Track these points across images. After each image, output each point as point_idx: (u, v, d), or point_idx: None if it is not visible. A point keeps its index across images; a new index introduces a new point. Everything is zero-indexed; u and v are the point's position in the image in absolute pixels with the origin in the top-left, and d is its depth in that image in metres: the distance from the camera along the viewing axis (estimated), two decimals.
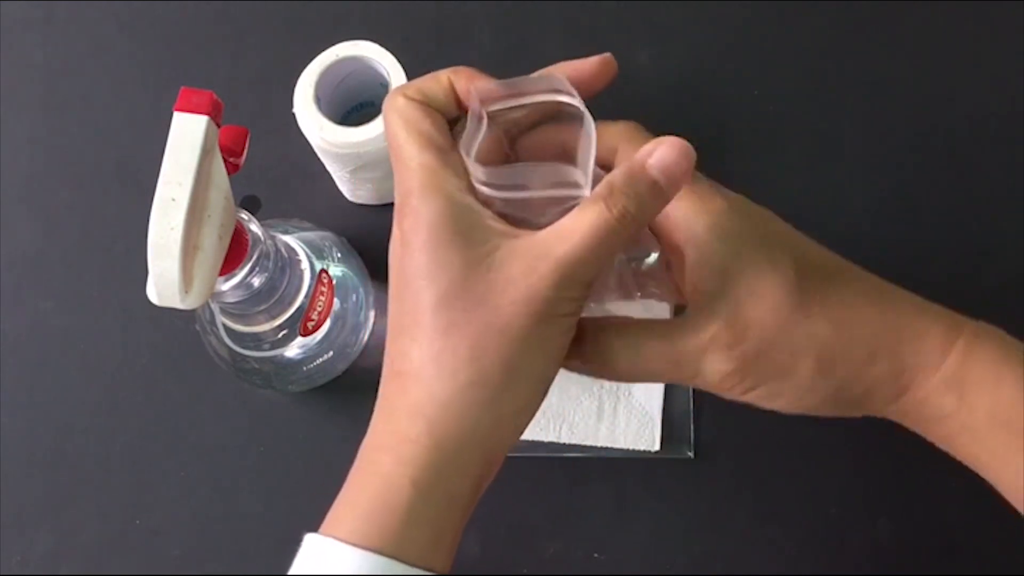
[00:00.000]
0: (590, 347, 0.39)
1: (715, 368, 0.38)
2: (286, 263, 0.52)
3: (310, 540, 0.36)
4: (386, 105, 0.38)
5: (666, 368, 0.38)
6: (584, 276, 0.36)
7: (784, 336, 0.37)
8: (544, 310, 0.35)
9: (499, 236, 0.36)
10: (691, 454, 0.59)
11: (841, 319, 0.38)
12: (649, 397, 0.59)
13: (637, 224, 0.35)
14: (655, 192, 0.35)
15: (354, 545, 0.35)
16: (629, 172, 0.35)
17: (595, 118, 0.38)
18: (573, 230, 0.35)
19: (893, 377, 0.38)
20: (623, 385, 0.60)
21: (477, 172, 0.36)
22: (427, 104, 0.38)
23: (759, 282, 0.37)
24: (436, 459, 0.36)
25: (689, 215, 0.38)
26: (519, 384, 0.36)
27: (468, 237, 0.36)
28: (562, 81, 0.37)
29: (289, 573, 0.37)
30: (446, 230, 0.36)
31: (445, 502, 0.37)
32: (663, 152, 0.35)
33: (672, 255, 0.40)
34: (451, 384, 0.36)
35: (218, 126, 0.43)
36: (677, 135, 0.64)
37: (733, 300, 0.37)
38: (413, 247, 0.36)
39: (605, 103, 0.64)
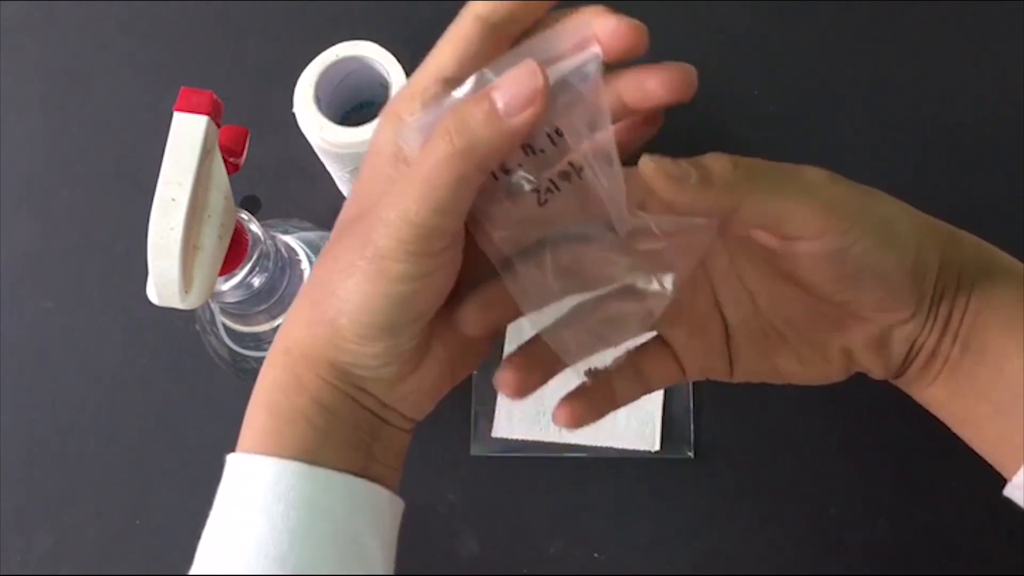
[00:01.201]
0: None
1: (817, 176, 0.35)
2: (286, 263, 0.52)
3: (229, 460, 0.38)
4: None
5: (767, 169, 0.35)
6: (418, 219, 0.33)
7: (868, 191, 0.38)
8: (372, 247, 0.34)
9: (405, 167, 0.35)
10: (691, 454, 0.59)
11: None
12: (649, 396, 0.59)
13: (476, 156, 0.32)
14: (493, 122, 0.32)
15: (246, 452, 0.37)
16: (471, 96, 0.33)
17: None
18: (415, 163, 0.33)
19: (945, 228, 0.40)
20: None
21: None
22: (494, 24, 0.36)
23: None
24: (287, 362, 0.37)
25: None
26: (343, 315, 0.35)
27: (383, 166, 0.36)
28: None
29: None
30: (380, 153, 0.36)
31: (313, 407, 0.36)
32: (506, 76, 0.32)
33: None
34: (301, 296, 0.38)
35: (218, 126, 0.43)
36: (677, 134, 0.64)
37: None
38: (365, 162, 0.37)
39: None
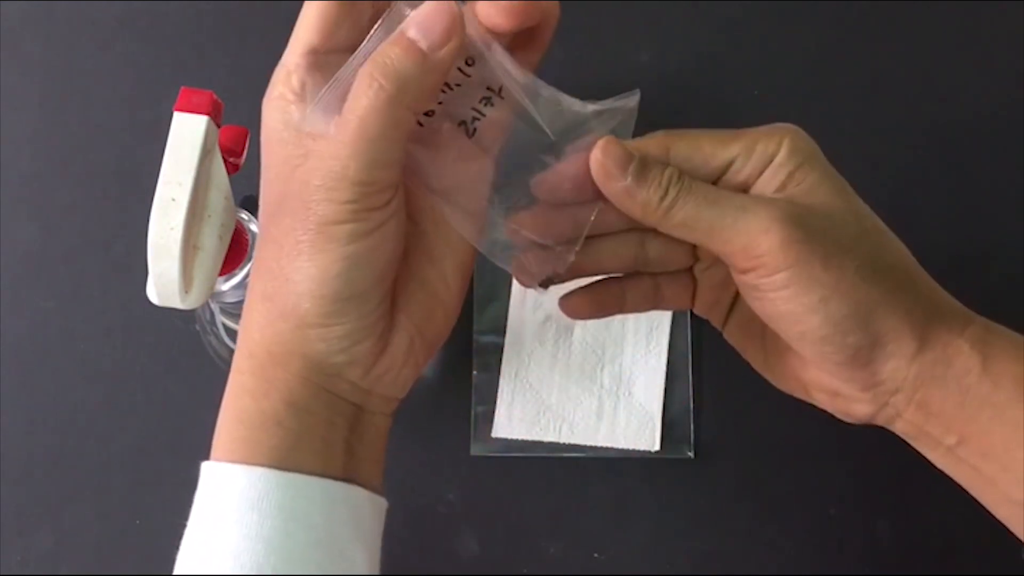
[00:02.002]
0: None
1: (759, 215, 0.34)
2: None
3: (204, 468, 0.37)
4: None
5: (707, 207, 0.35)
6: (357, 176, 0.33)
7: (834, 227, 0.36)
8: (314, 217, 0.33)
9: (310, 141, 0.34)
10: (691, 454, 0.59)
11: (889, 246, 0.38)
12: (649, 397, 0.60)
13: (417, 94, 0.33)
14: (417, 58, 0.32)
15: (219, 461, 0.36)
16: (388, 40, 0.33)
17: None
18: (342, 121, 0.33)
19: (923, 317, 0.36)
20: (623, 385, 0.60)
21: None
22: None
23: (819, 187, 0.36)
24: (254, 366, 0.36)
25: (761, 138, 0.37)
26: (303, 298, 0.34)
27: (290, 149, 0.35)
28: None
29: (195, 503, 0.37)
30: (276, 140, 0.35)
31: (284, 408, 0.35)
32: (419, 12, 0.33)
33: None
34: (251, 297, 0.36)
35: (218, 126, 0.43)
36: None
37: (792, 191, 0.36)
38: (264, 153, 0.36)
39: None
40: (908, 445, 0.58)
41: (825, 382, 0.38)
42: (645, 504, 0.59)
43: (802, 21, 0.68)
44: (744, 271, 0.36)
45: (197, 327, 0.58)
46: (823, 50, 0.67)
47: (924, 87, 0.66)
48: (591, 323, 0.60)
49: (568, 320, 0.61)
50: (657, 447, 0.59)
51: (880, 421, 0.39)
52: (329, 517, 0.35)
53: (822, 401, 0.39)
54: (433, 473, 0.59)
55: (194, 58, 0.68)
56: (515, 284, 0.62)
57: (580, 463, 0.59)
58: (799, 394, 0.40)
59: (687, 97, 0.66)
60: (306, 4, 0.37)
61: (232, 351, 0.55)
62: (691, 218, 0.35)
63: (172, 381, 0.62)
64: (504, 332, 0.61)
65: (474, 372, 0.60)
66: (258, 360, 0.36)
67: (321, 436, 0.36)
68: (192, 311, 0.54)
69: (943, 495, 0.58)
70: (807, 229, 0.35)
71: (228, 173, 0.45)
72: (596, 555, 0.58)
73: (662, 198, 0.35)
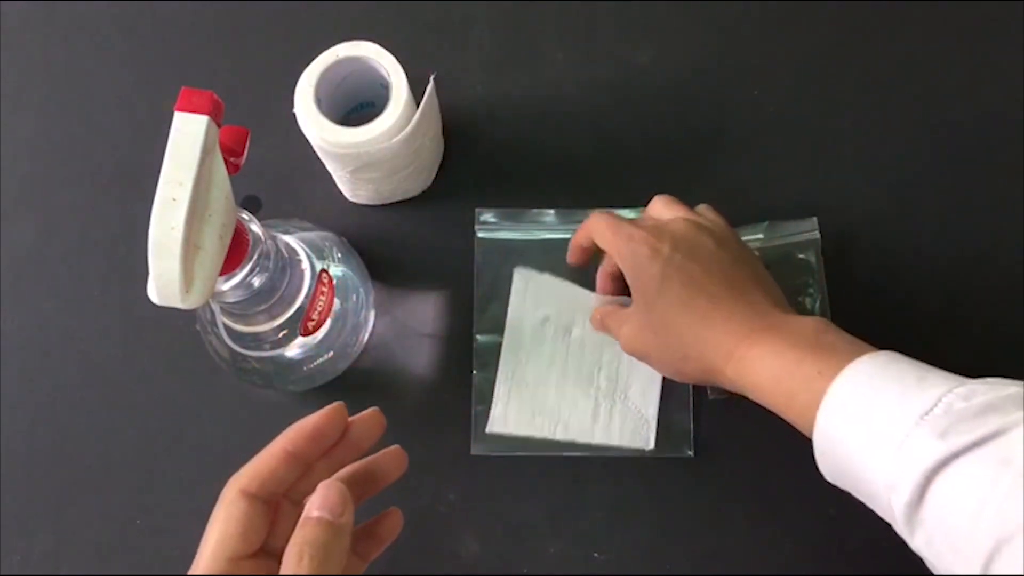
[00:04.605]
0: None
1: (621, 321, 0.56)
2: (286, 263, 0.52)
3: None
4: (225, 494, 0.43)
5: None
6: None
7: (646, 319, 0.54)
8: None
9: None
10: (691, 454, 0.59)
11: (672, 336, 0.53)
12: (645, 400, 0.60)
13: (336, 555, 0.41)
14: (328, 527, 0.41)
15: None
16: (299, 525, 0.42)
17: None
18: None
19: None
20: (619, 387, 0.60)
21: None
22: (263, 499, 0.43)
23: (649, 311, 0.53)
24: None
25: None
26: None
27: None
28: None
29: None
30: None
31: None
32: (316, 496, 0.42)
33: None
34: None
35: (218, 126, 0.43)
36: (677, 135, 0.64)
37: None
38: None
39: (605, 103, 0.64)
40: None
41: None
42: (645, 504, 0.59)
43: (802, 21, 0.68)
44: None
45: (197, 327, 0.58)
46: (823, 50, 0.67)
47: (924, 87, 0.66)
48: (589, 324, 0.60)
49: (567, 321, 0.61)
50: (651, 446, 0.59)
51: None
52: None
53: None
54: (433, 473, 0.59)
55: (194, 58, 0.68)
56: (514, 284, 0.62)
57: (580, 463, 0.59)
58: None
59: (687, 97, 0.66)
60: (225, 514, 0.42)
61: (232, 351, 0.56)
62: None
63: (172, 381, 0.62)
64: (503, 332, 0.61)
65: (474, 372, 0.60)
66: None
67: None
68: (192, 311, 0.54)
69: None
70: (635, 319, 0.55)
71: (228, 173, 0.45)
72: (596, 555, 0.58)
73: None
